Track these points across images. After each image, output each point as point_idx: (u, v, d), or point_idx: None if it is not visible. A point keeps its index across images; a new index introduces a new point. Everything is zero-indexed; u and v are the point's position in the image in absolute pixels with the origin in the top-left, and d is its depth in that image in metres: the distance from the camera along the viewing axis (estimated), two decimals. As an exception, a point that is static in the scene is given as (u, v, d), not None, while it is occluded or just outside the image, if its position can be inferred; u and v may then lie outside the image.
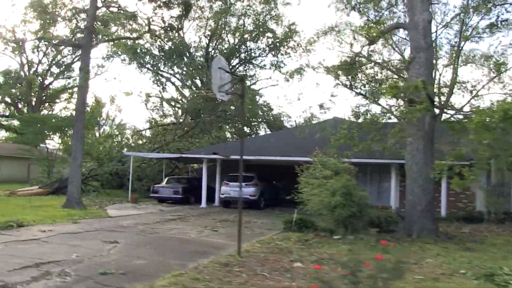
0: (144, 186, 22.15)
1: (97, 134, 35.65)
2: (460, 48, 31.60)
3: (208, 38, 32.12)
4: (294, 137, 21.23)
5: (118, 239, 9.44)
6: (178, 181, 21.04)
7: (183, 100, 34.16)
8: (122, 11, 15.87)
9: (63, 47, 34.96)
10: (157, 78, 33.15)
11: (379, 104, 36.03)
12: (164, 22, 14.90)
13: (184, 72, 32.07)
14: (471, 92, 32.68)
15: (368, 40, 13.01)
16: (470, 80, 31.95)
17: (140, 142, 31.07)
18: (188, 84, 32.40)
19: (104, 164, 22.37)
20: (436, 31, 32.26)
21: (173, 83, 33.32)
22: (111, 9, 16.09)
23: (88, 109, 36.59)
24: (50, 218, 12.45)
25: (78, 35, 34.72)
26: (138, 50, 30.62)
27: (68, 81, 41.55)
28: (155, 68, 32.23)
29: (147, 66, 31.78)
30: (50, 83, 39.91)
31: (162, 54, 31.39)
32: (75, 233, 10.18)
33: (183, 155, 19.95)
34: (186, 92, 34.30)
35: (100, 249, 8.28)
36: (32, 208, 15.32)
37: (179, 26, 15.79)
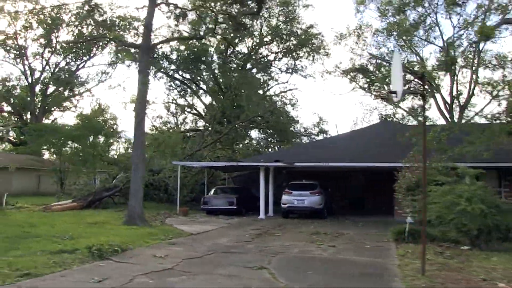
0: (185, 197, 20.66)
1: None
2: (481, 50, 31.70)
3: (228, 42, 30.87)
4: (347, 142, 20.32)
5: (257, 263, 8.19)
6: (228, 191, 19.71)
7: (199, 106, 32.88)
8: (180, 9, 14.49)
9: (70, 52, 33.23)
10: (175, 83, 31.70)
11: (399, 107, 35.33)
12: (234, 21, 13.60)
13: (205, 77, 30.81)
14: (491, 93, 32.62)
15: (484, 37, 12.19)
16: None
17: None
18: (211, 88, 30.98)
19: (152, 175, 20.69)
20: (453, 32, 32.27)
21: (191, 88, 31.87)
22: (166, 7, 14.75)
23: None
24: (137, 238, 10.97)
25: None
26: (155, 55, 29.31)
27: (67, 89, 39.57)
28: (172, 73, 30.77)
29: (165, 71, 30.25)
30: (54, 91, 37.68)
31: (180, 59, 30.05)
32: (196, 258, 8.81)
33: (240, 164, 18.67)
34: (207, 98, 32.95)
35: (264, 278, 7.04)
36: (93, 227, 13.76)
37: (248, 26, 14.60)
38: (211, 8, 13.60)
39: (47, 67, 37.07)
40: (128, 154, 25.68)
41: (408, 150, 17.31)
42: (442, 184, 11.25)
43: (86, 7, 14.54)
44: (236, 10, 13.31)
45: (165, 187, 21.59)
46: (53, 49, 36.02)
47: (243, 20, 13.29)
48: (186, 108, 31.49)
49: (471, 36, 32.09)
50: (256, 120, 25.00)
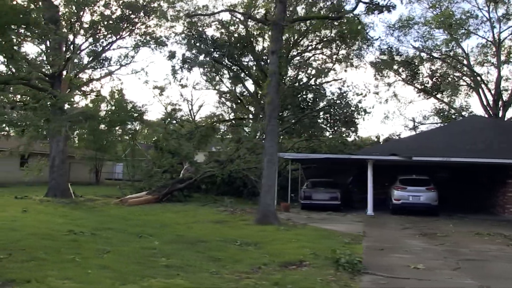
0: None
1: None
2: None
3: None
4: (443, 138, 19.41)
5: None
6: (322, 185, 18.33)
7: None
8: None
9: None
10: (218, 68, 29.76)
11: (446, 103, 34.42)
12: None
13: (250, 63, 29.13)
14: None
15: None
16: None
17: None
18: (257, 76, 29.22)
19: (228, 166, 19.00)
20: (500, 29, 31.93)
21: (239, 77, 29.92)
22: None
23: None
24: (326, 244, 9.51)
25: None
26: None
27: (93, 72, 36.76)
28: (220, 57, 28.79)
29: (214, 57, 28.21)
30: (77, 74, 34.80)
31: (227, 43, 28.20)
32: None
33: (352, 156, 17.39)
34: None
35: None
36: (228, 227, 12.24)
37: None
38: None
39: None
40: (176, 142, 23.61)
41: None
42: None
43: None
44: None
45: (243, 180, 20.05)
46: (78, 29, 33.26)
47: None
48: (238, 96, 29.62)
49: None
50: (327, 110, 23.69)
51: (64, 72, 18.93)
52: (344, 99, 23.44)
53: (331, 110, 24.19)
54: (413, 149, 17.18)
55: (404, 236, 11.42)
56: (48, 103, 12.05)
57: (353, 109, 23.27)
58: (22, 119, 12.36)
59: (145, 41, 29.32)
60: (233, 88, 30.48)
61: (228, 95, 30.67)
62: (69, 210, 14.63)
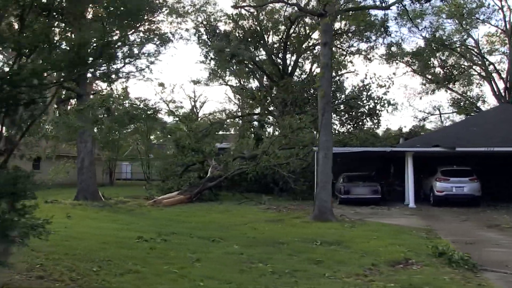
0: (303, 186, 18.75)
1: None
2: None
3: (293, 19, 28.60)
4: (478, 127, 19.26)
5: None
6: (358, 178, 18.01)
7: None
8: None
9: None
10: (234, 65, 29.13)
11: (459, 93, 34.26)
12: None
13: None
14: None
15: None
16: None
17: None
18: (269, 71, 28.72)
19: (261, 162, 18.49)
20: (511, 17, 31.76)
21: (253, 72, 29.36)
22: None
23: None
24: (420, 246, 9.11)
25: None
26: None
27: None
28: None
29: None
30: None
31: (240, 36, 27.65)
32: None
33: (394, 149, 17.14)
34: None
35: None
36: (283, 225, 11.81)
37: None
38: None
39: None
40: (196, 139, 22.96)
41: None
42: None
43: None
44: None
45: (273, 177, 19.61)
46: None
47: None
48: (253, 91, 29.00)
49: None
50: (346, 102, 23.38)
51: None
52: (367, 92, 23.12)
53: (353, 102, 23.88)
54: (449, 140, 17.03)
55: (473, 229, 11.21)
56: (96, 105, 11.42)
57: (376, 101, 22.97)
58: (62, 122, 11.70)
59: (149, 37, 28.60)
60: (245, 83, 29.95)
61: (240, 90, 30.12)
62: (111, 213, 14.05)
